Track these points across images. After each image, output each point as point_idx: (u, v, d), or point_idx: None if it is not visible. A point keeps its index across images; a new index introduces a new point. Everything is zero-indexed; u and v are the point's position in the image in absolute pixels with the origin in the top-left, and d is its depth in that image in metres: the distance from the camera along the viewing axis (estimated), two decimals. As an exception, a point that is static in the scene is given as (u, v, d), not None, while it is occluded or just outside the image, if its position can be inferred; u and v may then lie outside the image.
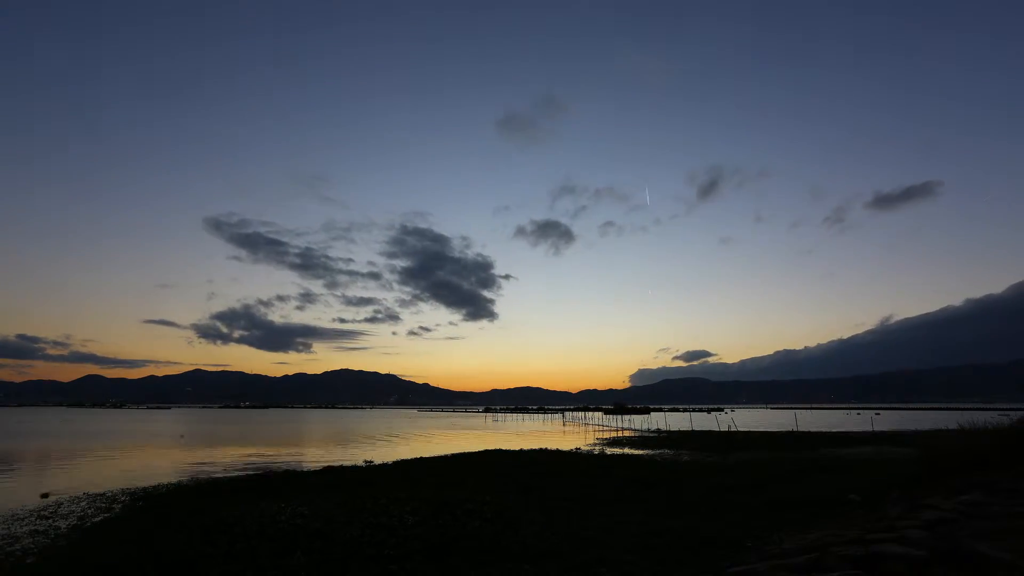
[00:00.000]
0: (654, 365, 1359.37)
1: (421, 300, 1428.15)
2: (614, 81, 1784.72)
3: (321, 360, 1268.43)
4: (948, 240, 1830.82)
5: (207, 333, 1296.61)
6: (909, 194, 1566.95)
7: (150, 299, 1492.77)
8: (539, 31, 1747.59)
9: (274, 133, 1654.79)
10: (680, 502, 13.09)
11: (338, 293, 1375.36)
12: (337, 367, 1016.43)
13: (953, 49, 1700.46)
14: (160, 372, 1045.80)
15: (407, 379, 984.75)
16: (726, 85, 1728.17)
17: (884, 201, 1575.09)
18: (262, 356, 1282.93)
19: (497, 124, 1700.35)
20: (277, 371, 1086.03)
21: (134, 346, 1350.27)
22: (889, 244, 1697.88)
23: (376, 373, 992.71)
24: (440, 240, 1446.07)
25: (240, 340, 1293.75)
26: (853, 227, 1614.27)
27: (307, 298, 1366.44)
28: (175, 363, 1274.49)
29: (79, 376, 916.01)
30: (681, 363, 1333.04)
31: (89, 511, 14.77)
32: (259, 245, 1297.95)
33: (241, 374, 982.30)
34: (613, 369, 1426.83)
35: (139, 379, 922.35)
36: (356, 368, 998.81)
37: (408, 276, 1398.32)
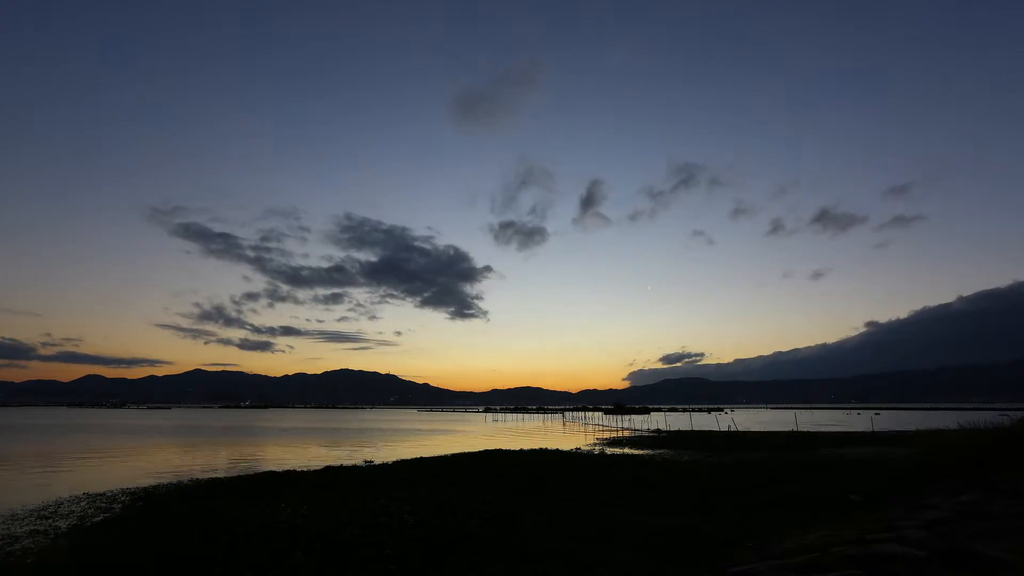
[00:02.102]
0: (646, 366, 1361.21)
1: (398, 297, 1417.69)
2: (586, 62, 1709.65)
3: (321, 360, 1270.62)
4: (947, 237, 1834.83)
5: (188, 333, 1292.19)
6: (906, 190, 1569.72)
7: (117, 297, 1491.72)
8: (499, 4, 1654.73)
9: (207, 122, 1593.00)
10: (680, 502, 13.08)
11: (308, 291, 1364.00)
12: (337, 367, 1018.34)
13: (946, 54, 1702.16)
14: (160, 372, 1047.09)
15: (407, 379, 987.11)
16: (709, 76, 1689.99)
17: (880, 198, 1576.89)
18: (263, 356, 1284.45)
19: (452, 105, 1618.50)
20: (277, 371, 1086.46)
21: (134, 346, 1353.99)
22: (886, 242, 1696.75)
23: (376, 373, 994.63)
24: (397, 232, 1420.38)
25: (221, 341, 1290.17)
26: (847, 225, 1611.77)
27: (276, 295, 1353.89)
28: (175, 363, 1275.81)
29: (79, 376, 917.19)
30: (669, 364, 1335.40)
31: (89, 511, 14.76)
32: (208, 238, 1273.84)
33: (241, 374, 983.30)
34: (606, 369, 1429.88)
35: (139, 379, 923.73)
36: (356, 368, 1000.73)
37: (378, 272, 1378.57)
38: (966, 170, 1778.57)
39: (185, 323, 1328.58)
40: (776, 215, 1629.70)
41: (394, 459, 27.10)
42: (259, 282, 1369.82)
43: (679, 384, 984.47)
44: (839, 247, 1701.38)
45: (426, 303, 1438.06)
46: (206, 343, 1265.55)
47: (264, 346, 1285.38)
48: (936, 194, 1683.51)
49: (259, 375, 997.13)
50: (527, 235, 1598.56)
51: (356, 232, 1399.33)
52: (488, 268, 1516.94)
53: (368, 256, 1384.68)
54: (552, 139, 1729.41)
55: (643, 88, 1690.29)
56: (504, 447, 32.73)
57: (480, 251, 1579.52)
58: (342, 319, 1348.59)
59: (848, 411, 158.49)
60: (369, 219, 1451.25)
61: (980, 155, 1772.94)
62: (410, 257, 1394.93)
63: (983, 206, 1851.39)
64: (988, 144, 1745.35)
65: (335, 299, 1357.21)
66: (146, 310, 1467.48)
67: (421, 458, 26.61)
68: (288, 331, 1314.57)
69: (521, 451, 29.17)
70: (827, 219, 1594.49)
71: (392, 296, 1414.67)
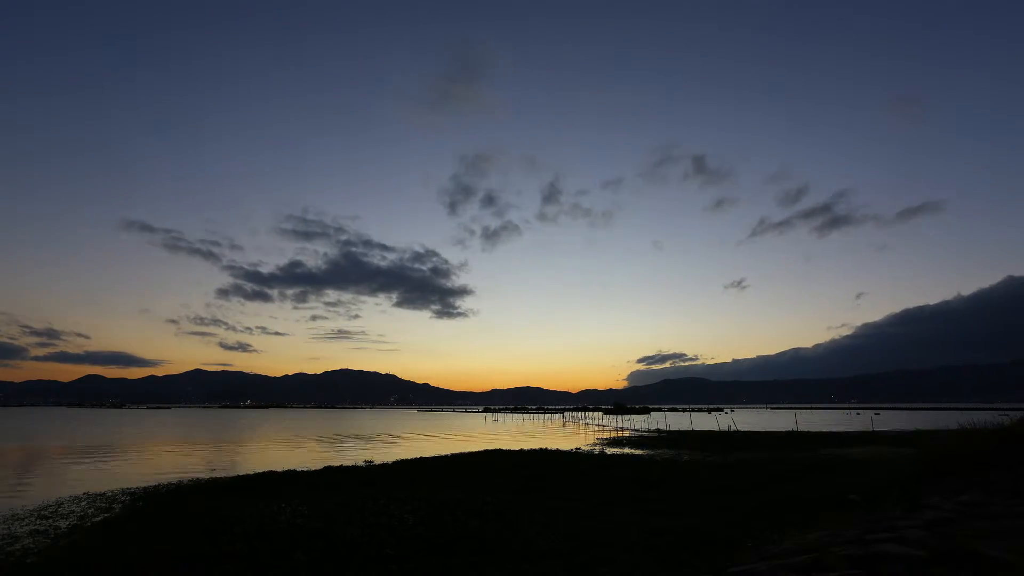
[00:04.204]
0: (641, 367, 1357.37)
1: (375, 295, 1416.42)
2: (556, 48, 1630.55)
3: (321, 360, 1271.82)
4: (948, 235, 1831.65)
5: (183, 333, 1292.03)
6: (907, 187, 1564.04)
7: (93, 297, 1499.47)
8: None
9: (148, 120, 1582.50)
10: (680, 502, 13.08)
11: (284, 290, 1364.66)
12: (337, 367, 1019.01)
13: (952, 50, 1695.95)
14: (160, 372, 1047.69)
15: (407, 379, 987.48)
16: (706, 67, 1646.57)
17: (880, 194, 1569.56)
18: (264, 356, 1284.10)
19: (409, 94, 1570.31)
20: (277, 371, 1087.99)
21: (130, 346, 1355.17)
22: (886, 239, 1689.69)
23: (376, 373, 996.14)
24: (352, 227, 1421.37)
25: (207, 339, 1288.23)
26: (845, 221, 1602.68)
27: (256, 295, 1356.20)
28: (175, 363, 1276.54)
29: (79, 376, 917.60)
30: (663, 365, 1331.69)
31: (89, 511, 14.77)
32: (160, 233, 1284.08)
33: (241, 374, 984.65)
34: (603, 369, 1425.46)
35: (139, 379, 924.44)
36: (356, 368, 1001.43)
37: (347, 269, 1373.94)
38: (969, 168, 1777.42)
39: (172, 324, 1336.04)
40: (770, 210, 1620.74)
41: (394, 459, 27.09)
42: (237, 281, 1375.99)
43: (679, 384, 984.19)
44: (838, 244, 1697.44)
45: (405, 301, 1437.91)
46: (192, 345, 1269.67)
47: (252, 346, 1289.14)
48: (937, 192, 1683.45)
49: (259, 375, 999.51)
50: (495, 232, 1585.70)
51: (308, 226, 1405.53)
52: (464, 264, 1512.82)
53: (330, 251, 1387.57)
54: (526, 129, 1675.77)
55: (628, 76, 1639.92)
56: (504, 447, 32.72)
57: (449, 248, 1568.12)
58: (325, 319, 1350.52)
59: (848, 411, 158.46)
60: (318, 210, 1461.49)
61: (985, 153, 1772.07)
62: (372, 252, 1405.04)
63: (984, 205, 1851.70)
64: (994, 143, 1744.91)
65: (306, 298, 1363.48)
66: (129, 310, 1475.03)
67: (421, 458, 26.60)
68: (273, 331, 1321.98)
69: (521, 451, 29.15)
70: (824, 215, 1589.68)
71: (370, 294, 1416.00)
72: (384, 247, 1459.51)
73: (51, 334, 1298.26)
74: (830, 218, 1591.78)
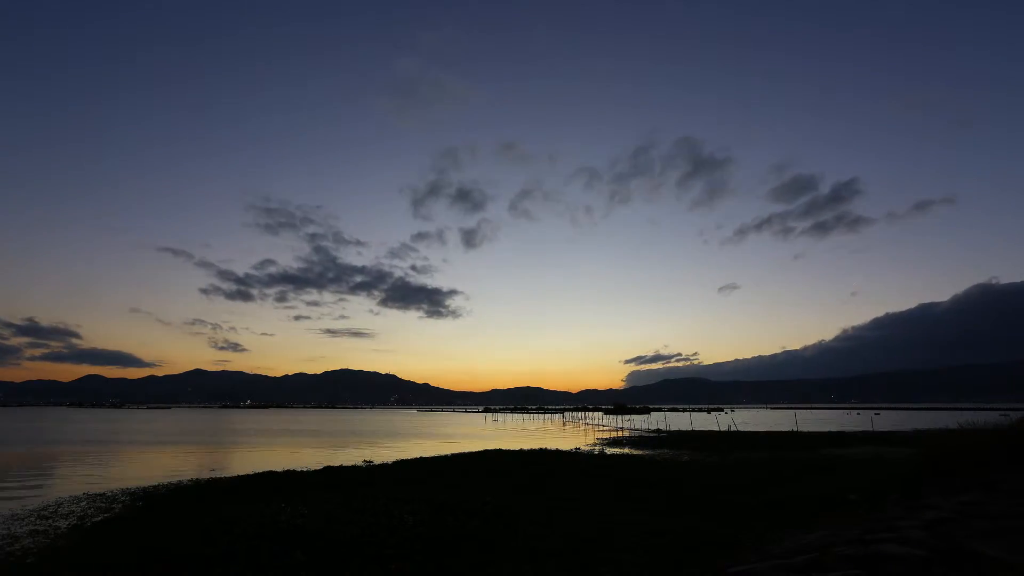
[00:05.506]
0: (641, 366, 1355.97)
1: (365, 295, 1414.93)
2: (536, 41, 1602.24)
3: (321, 360, 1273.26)
4: (948, 235, 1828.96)
5: (183, 333, 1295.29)
6: (907, 185, 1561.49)
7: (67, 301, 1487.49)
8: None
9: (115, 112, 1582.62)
10: (680, 502, 13.08)
11: (257, 289, 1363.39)
12: (337, 367, 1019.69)
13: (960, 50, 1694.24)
14: (160, 372, 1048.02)
15: (407, 379, 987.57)
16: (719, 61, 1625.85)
17: (880, 191, 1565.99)
18: (264, 356, 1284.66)
19: (382, 88, 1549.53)
20: (277, 371, 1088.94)
21: (132, 345, 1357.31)
22: (887, 239, 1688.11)
23: (376, 373, 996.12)
24: (330, 223, 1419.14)
25: (207, 341, 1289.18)
26: (843, 220, 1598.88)
27: (232, 295, 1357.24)
28: (175, 363, 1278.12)
29: (79, 376, 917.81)
30: (663, 365, 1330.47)
31: (89, 511, 14.75)
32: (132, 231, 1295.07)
33: (241, 374, 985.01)
34: (601, 368, 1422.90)
35: (139, 379, 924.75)
36: (356, 368, 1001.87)
37: (336, 269, 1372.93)
38: (974, 166, 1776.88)
39: (163, 324, 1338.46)
40: (770, 208, 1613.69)
41: (394, 459, 27.08)
42: (214, 281, 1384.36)
43: (679, 384, 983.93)
44: (836, 242, 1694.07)
45: (391, 300, 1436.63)
46: (191, 345, 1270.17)
47: (243, 345, 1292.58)
48: (941, 189, 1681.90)
49: (259, 375, 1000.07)
50: (473, 229, 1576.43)
51: (272, 216, 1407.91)
52: (446, 262, 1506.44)
53: (298, 246, 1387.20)
54: (503, 122, 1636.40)
55: (621, 67, 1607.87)
56: (504, 447, 32.71)
57: (426, 244, 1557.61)
58: (309, 318, 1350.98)
59: (848, 411, 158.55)
60: (281, 199, 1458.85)
61: (990, 151, 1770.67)
62: (347, 249, 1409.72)
63: (987, 203, 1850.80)
64: (999, 140, 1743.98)
65: (287, 296, 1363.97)
66: (117, 309, 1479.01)
67: (421, 458, 26.59)
68: (260, 332, 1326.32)
69: (521, 451, 29.15)
70: (823, 213, 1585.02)
71: (350, 292, 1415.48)
72: (359, 243, 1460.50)
73: (39, 332, 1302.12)
74: (830, 216, 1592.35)
